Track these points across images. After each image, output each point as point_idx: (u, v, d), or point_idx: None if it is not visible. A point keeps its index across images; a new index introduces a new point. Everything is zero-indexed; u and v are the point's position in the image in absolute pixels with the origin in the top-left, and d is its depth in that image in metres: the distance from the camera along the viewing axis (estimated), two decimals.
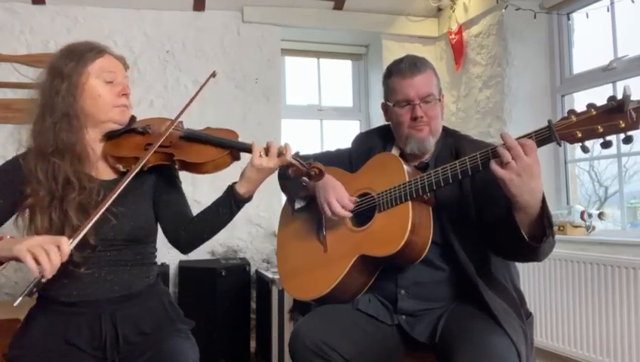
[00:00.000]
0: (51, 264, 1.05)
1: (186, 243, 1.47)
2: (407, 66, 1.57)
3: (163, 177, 1.48)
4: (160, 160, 1.40)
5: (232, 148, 1.42)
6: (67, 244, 1.09)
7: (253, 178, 1.40)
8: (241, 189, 1.41)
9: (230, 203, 1.42)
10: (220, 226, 1.46)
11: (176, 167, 1.42)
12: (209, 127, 1.50)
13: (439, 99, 1.59)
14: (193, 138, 1.44)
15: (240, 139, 1.44)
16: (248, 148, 1.40)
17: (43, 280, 1.06)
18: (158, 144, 1.36)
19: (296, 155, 1.41)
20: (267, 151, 1.38)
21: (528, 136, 1.25)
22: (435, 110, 1.57)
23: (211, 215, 1.44)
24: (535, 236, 1.28)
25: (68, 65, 1.34)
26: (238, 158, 1.45)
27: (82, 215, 1.27)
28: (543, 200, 1.26)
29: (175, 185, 1.52)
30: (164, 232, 1.49)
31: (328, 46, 3.91)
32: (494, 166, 1.24)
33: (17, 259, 1.07)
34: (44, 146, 1.32)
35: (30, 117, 1.36)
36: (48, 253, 1.05)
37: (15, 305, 1.05)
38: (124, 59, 1.48)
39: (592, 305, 2.47)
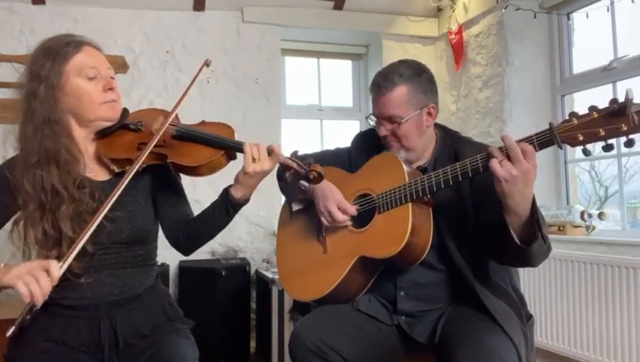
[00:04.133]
0: (42, 291, 1.05)
1: (185, 245, 1.44)
2: (373, 86, 1.58)
3: (159, 175, 1.42)
4: (153, 160, 1.33)
5: (226, 148, 1.35)
6: (57, 268, 1.08)
7: (248, 183, 1.34)
8: (237, 194, 1.35)
9: (226, 207, 1.36)
10: (217, 229, 1.41)
11: (171, 168, 1.38)
12: (204, 121, 1.45)
13: (407, 119, 1.51)
14: (186, 137, 1.36)
15: (239, 138, 1.37)
16: (241, 150, 1.33)
17: (35, 308, 1.07)
18: (149, 148, 1.28)
19: (295, 155, 1.35)
20: (258, 154, 1.30)
21: (529, 138, 1.24)
22: (402, 129, 1.53)
23: (208, 218, 1.40)
24: (526, 240, 1.28)
25: (45, 66, 1.26)
26: (234, 158, 1.38)
27: (77, 224, 1.24)
28: (534, 204, 1.26)
29: (172, 182, 1.46)
30: (164, 233, 1.46)
31: (328, 46, 3.91)
32: (494, 163, 1.23)
33: (10, 287, 1.08)
34: (28, 156, 1.26)
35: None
36: (38, 279, 1.05)
37: (8, 335, 1.06)
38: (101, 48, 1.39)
39: (592, 305, 2.47)
